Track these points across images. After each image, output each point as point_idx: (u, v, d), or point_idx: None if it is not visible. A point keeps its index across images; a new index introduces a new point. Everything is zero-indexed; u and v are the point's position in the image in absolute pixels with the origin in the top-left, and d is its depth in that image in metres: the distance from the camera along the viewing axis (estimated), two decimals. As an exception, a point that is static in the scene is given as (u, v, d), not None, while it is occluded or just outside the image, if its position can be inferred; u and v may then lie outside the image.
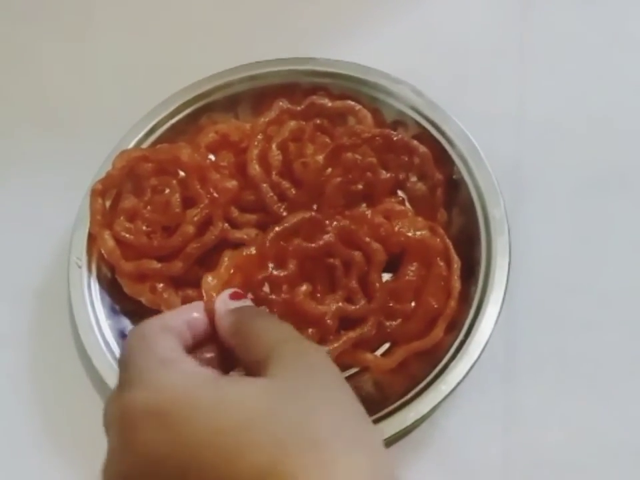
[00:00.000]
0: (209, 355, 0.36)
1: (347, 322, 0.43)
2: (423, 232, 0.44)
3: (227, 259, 0.43)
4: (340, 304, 0.43)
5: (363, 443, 0.29)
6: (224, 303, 0.37)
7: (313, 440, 0.28)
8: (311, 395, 0.29)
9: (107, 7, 0.60)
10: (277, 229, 0.44)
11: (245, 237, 0.47)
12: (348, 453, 0.28)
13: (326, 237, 0.43)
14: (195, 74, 0.52)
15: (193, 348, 0.36)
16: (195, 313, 0.37)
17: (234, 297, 0.38)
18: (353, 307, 0.43)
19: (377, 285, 0.43)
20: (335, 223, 0.44)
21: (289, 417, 0.28)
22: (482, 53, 0.55)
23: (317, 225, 0.44)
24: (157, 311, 0.46)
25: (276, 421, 0.28)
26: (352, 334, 0.43)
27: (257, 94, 0.51)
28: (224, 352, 0.36)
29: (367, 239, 0.43)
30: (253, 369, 0.32)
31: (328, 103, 0.49)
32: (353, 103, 0.50)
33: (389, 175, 0.47)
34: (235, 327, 0.35)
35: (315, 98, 0.49)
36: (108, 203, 0.48)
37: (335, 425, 0.29)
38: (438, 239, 0.44)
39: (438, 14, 0.57)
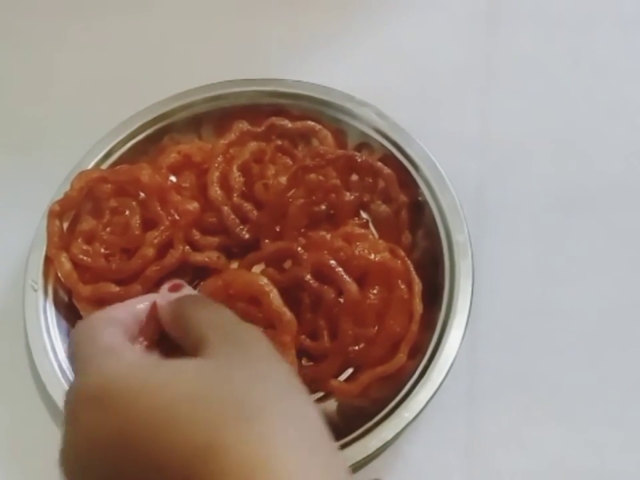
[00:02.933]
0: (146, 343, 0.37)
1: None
2: (384, 254, 0.44)
3: None
4: (302, 336, 0.43)
5: (299, 416, 0.29)
6: (165, 296, 0.38)
7: (248, 413, 0.28)
8: (243, 370, 0.30)
9: (68, 28, 0.59)
10: (251, 257, 0.44)
11: (207, 259, 0.46)
12: (284, 424, 0.28)
13: (295, 269, 0.43)
14: (157, 94, 0.51)
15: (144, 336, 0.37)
16: (139, 305, 0.38)
17: (172, 289, 0.38)
18: (312, 343, 0.43)
19: (344, 328, 0.42)
20: (309, 255, 0.43)
21: (223, 391, 0.29)
22: (446, 75, 0.55)
23: (292, 256, 0.43)
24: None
25: (210, 395, 0.29)
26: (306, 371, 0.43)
27: (220, 114, 0.51)
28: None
29: (345, 277, 0.43)
30: (191, 353, 0.33)
31: (288, 124, 0.49)
32: (313, 123, 0.50)
33: (352, 196, 0.47)
34: (174, 315, 0.36)
35: (274, 119, 0.49)
36: (66, 225, 0.47)
37: (269, 398, 0.29)
38: (399, 261, 0.44)
39: (402, 36, 0.57)
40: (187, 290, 0.39)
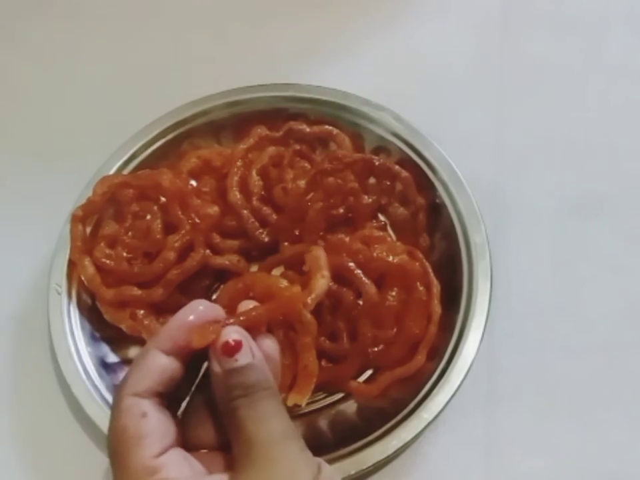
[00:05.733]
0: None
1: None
2: (402, 256, 0.44)
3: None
4: (322, 338, 0.43)
5: None
6: (217, 360, 0.33)
7: None
8: None
9: (87, 36, 0.60)
10: (270, 259, 0.45)
11: (227, 262, 0.47)
12: None
13: None
14: (176, 100, 0.52)
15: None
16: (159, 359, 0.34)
17: (226, 352, 0.33)
18: (331, 345, 0.43)
19: (363, 330, 0.43)
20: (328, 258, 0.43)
21: None
22: (462, 78, 0.55)
23: None
24: (137, 338, 0.46)
25: None
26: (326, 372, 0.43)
27: (238, 120, 0.51)
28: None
29: (364, 279, 0.43)
30: (234, 453, 0.33)
31: (306, 128, 0.50)
32: (330, 127, 0.50)
33: (370, 199, 0.48)
34: (230, 404, 0.33)
35: (293, 124, 0.50)
36: (89, 229, 0.47)
37: None
38: (417, 263, 0.44)
39: (418, 41, 0.57)
40: (246, 355, 0.33)
